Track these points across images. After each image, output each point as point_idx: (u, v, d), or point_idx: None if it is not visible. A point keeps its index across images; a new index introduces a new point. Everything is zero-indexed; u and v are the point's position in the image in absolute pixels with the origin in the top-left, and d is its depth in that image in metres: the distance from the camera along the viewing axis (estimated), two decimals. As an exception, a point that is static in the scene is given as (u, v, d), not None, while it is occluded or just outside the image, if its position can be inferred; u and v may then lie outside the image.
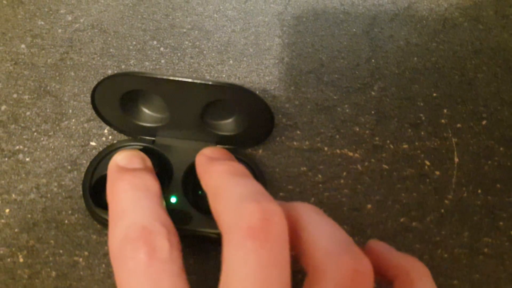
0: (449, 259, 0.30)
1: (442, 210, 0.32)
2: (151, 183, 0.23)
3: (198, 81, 0.26)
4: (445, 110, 0.35)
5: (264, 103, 0.27)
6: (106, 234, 0.29)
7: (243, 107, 0.28)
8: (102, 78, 0.27)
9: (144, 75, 0.26)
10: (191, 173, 0.29)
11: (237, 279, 0.18)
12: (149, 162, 0.26)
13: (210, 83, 0.26)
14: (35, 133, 0.32)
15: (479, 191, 0.32)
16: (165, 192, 0.28)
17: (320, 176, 0.32)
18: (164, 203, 0.24)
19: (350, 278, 0.18)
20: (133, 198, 0.22)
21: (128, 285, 0.19)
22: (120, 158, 0.25)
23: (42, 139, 0.32)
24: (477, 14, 0.40)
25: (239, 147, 0.31)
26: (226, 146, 0.30)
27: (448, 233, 0.31)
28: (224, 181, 0.22)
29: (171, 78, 0.26)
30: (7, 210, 0.29)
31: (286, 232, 0.19)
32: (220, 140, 0.30)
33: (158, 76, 0.26)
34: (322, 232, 0.20)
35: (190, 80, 0.26)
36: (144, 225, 0.20)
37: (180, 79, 0.26)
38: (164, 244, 0.20)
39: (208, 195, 0.22)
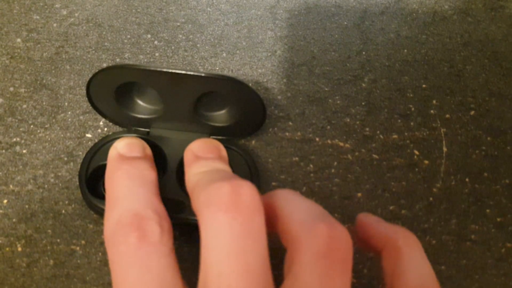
0: (437, 246, 0.31)
1: (431, 198, 0.32)
2: (147, 172, 0.24)
3: (192, 73, 0.26)
4: (434, 101, 0.36)
5: (257, 95, 0.28)
6: (102, 224, 0.30)
7: (236, 99, 0.29)
8: (97, 71, 0.27)
9: (138, 67, 0.26)
10: (185, 163, 0.29)
11: (213, 252, 0.19)
12: (148, 150, 0.26)
13: (204, 75, 0.26)
14: (31, 126, 0.32)
15: (467, 179, 0.33)
16: (160, 181, 0.29)
17: (311, 166, 0.33)
18: (159, 191, 0.24)
19: (326, 245, 0.19)
20: (128, 186, 0.23)
21: (120, 267, 0.20)
22: (120, 146, 0.26)
23: (38, 131, 0.32)
24: (466, 7, 0.40)
25: (232, 138, 0.32)
26: (219, 137, 0.31)
27: (436, 221, 0.32)
28: (200, 176, 0.23)
29: (165, 70, 0.26)
30: (5, 201, 0.30)
31: (258, 203, 0.20)
32: (214, 131, 0.31)
33: (152, 68, 0.26)
34: (297, 207, 0.21)
35: (183, 72, 0.26)
36: (136, 212, 0.21)
37: (174, 71, 0.26)
38: (154, 229, 0.21)
39: (189, 195, 0.23)
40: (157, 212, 0.22)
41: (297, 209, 0.21)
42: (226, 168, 0.25)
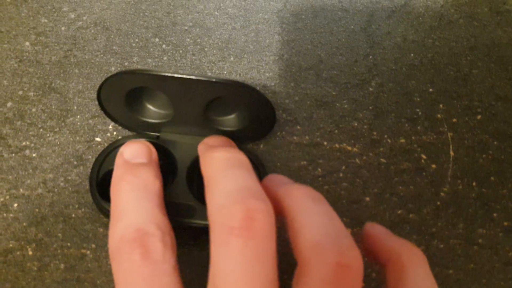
0: (445, 250, 0.31)
1: (438, 202, 0.33)
2: (151, 182, 0.24)
3: (202, 78, 0.26)
4: (441, 105, 0.36)
5: (266, 99, 0.28)
6: (113, 227, 0.30)
7: (245, 103, 0.29)
8: (106, 75, 0.28)
9: (149, 72, 0.27)
10: (195, 167, 0.29)
11: (222, 274, 0.19)
12: (154, 155, 0.26)
13: (214, 80, 0.27)
14: (41, 129, 0.33)
15: (474, 183, 0.33)
16: (170, 186, 0.29)
17: (319, 170, 0.33)
18: (163, 201, 0.24)
19: (334, 272, 0.18)
20: (132, 199, 0.23)
21: (123, 283, 0.20)
22: (126, 151, 0.26)
23: (48, 135, 0.32)
24: (472, 11, 0.40)
25: (241, 142, 0.32)
26: (229, 141, 0.31)
27: (444, 225, 0.32)
28: (215, 172, 0.22)
29: (176, 75, 0.26)
30: (16, 205, 0.30)
31: (271, 228, 0.19)
32: (223, 136, 0.31)
33: (163, 74, 0.26)
34: (312, 223, 0.20)
35: (194, 77, 0.26)
36: (139, 227, 0.21)
37: (184, 76, 0.26)
38: (157, 246, 0.21)
39: (204, 181, 0.23)
40: (160, 228, 0.22)
41: (311, 225, 0.20)
42: (243, 158, 0.23)
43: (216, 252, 0.19)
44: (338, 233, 0.20)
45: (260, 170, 0.31)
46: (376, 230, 0.24)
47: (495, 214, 0.33)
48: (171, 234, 0.22)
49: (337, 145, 0.34)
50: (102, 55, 0.36)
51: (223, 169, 0.22)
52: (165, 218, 0.23)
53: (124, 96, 0.29)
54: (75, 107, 0.34)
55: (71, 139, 0.32)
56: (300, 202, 0.21)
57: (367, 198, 0.32)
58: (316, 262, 0.19)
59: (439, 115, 0.35)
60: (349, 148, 0.34)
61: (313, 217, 0.20)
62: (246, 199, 0.20)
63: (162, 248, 0.21)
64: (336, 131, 0.34)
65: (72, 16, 0.37)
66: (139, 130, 0.31)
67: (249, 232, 0.19)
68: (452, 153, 0.34)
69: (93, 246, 0.30)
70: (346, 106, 0.35)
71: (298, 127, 0.34)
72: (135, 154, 0.26)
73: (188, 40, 0.37)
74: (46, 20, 0.37)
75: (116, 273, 0.21)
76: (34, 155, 0.32)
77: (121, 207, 0.23)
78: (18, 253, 0.29)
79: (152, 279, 0.20)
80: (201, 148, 0.26)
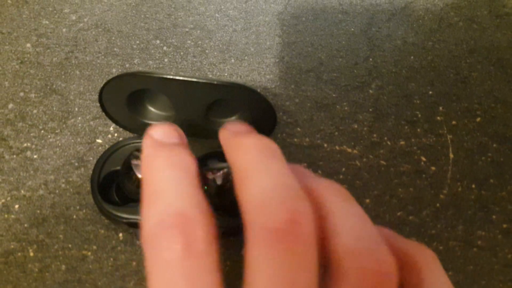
0: (444, 251, 0.32)
1: (438, 205, 0.33)
2: (190, 161, 0.21)
3: (203, 81, 0.27)
4: (440, 108, 0.36)
5: (267, 102, 0.28)
6: (114, 229, 0.30)
7: (246, 105, 0.29)
8: (107, 76, 0.28)
9: (151, 75, 0.27)
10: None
11: (262, 279, 0.17)
12: (185, 138, 0.23)
13: (215, 82, 0.27)
14: (42, 131, 0.33)
15: (473, 186, 0.34)
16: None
17: (320, 172, 0.33)
18: (200, 183, 0.21)
19: (371, 281, 0.17)
20: (170, 178, 0.20)
21: (160, 276, 0.18)
22: (156, 132, 0.23)
23: (49, 136, 0.33)
24: (472, 14, 0.41)
25: (242, 144, 0.32)
26: (230, 143, 0.31)
27: (444, 227, 0.32)
28: (251, 164, 0.20)
29: (177, 77, 0.26)
30: (17, 206, 0.30)
31: (314, 233, 0.18)
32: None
33: (165, 76, 0.27)
34: (347, 225, 0.19)
35: (195, 79, 0.27)
36: (181, 211, 0.18)
37: (186, 78, 0.26)
38: (201, 235, 0.18)
39: (234, 174, 0.20)
40: (203, 213, 0.18)
41: (346, 228, 0.19)
42: (276, 146, 0.21)
43: (255, 253, 0.17)
44: (374, 238, 0.19)
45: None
46: (384, 234, 0.23)
47: (494, 216, 0.33)
48: (214, 221, 0.19)
49: (337, 147, 0.34)
50: (103, 56, 0.36)
51: (258, 160, 0.20)
52: (207, 201, 0.20)
53: (126, 98, 0.29)
54: (76, 109, 0.34)
55: (72, 140, 0.32)
56: (331, 201, 0.20)
57: (367, 200, 0.33)
58: (353, 270, 0.18)
59: (438, 118, 0.36)
60: (349, 150, 0.34)
61: (348, 219, 0.19)
62: (289, 199, 0.18)
63: (207, 238, 0.18)
64: (336, 133, 0.34)
65: (73, 17, 0.37)
66: (140, 131, 0.31)
67: (292, 237, 0.17)
68: (451, 155, 0.34)
69: (94, 247, 0.30)
70: (346, 108, 0.35)
71: (299, 129, 0.34)
72: (166, 134, 0.23)
73: (189, 42, 0.37)
74: (47, 22, 0.37)
75: (151, 263, 0.18)
76: (35, 156, 0.32)
77: (157, 186, 0.19)
78: (19, 254, 0.29)
79: (194, 275, 0.17)
80: (225, 134, 0.23)
